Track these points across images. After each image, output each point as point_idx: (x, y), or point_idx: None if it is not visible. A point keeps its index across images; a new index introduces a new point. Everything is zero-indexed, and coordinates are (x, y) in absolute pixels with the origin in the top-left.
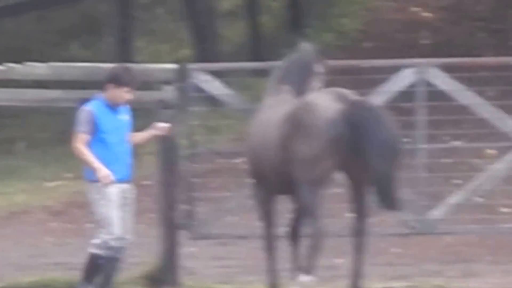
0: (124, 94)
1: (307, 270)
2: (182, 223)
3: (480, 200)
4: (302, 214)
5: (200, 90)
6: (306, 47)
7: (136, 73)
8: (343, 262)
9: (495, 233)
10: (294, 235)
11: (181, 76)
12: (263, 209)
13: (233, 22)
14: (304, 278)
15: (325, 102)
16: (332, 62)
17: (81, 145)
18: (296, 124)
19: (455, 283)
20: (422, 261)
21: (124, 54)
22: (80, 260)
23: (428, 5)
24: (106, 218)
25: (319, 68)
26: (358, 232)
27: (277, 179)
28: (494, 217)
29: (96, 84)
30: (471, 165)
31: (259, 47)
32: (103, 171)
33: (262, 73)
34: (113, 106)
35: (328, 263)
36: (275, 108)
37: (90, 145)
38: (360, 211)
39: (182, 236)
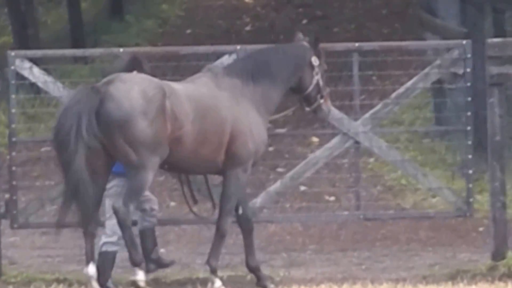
0: None
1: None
2: (2, 213)
3: (304, 188)
4: None
5: (20, 77)
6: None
7: None
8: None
9: (319, 222)
10: None
11: (1, 63)
12: None
13: (54, 9)
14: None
15: None
16: (152, 49)
17: None
18: None
19: (280, 273)
20: None
21: None
22: None
23: None
24: None
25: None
26: None
27: None
28: (319, 205)
29: None
30: (295, 153)
31: (79, 34)
32: None
33: (82, 60)
34: None
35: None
36: None
37: None
38: None
39: (3, 225)
